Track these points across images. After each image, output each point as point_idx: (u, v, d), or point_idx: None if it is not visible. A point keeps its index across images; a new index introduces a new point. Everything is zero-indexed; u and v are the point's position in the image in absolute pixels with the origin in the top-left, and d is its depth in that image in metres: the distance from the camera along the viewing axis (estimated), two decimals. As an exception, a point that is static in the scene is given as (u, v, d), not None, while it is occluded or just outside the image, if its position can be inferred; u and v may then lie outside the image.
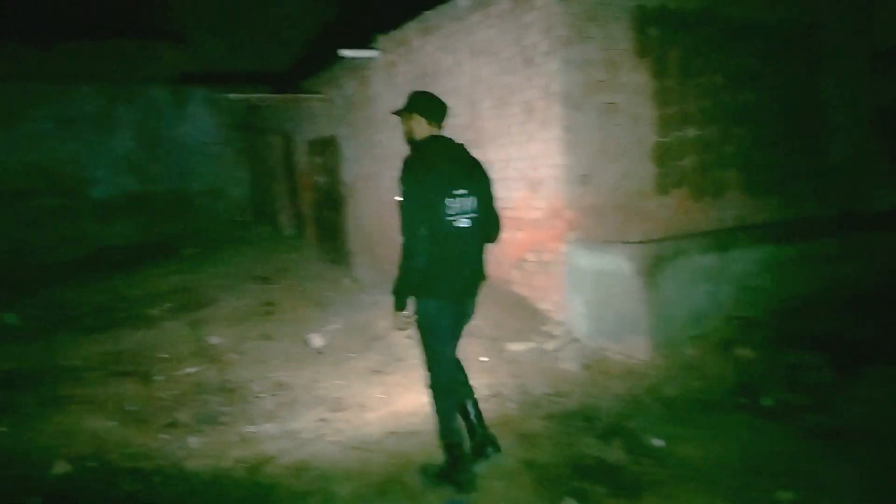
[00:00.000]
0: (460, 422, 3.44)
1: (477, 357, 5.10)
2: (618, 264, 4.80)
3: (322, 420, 4.27)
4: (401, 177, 3.16)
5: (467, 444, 3.45)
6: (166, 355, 6.30)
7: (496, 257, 6.04)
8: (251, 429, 4.27)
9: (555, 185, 5.34)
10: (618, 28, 5.40)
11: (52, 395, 5.17)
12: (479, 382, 4.68)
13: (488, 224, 3.38)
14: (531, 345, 5.20)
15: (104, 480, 3.64)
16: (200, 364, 5.96)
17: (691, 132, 5.85)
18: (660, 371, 4.59)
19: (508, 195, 5.82)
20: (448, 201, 3.14)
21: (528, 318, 5.56)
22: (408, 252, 3.13)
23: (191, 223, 13.33)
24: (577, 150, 5.29)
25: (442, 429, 3.36)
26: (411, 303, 3.26)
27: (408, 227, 3.13)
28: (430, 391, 3.39)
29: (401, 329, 3.35)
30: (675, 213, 5.70)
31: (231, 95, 10.15)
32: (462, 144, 3.35)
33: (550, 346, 5.18)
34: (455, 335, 3.40)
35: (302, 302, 8.17)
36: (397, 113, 3.43)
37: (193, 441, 4.13)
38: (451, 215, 3.15)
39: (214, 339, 6.73)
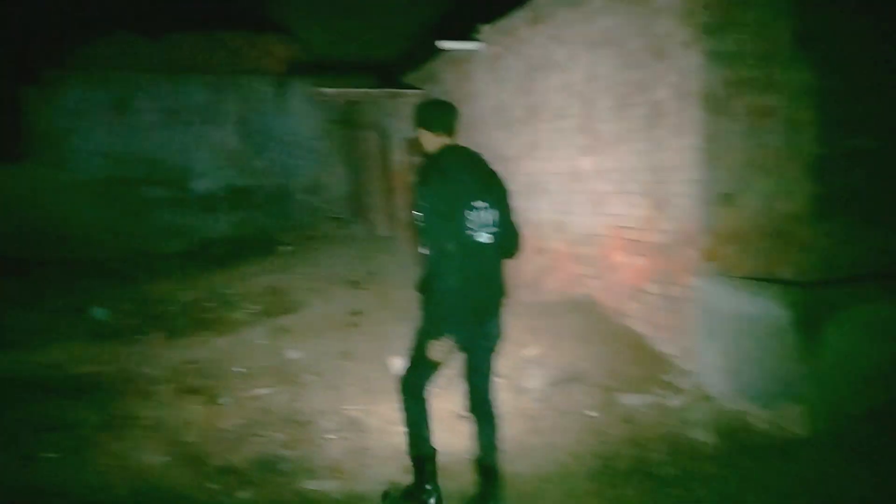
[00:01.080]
0: (431, 431, 3.13)
1: (583, 410, 4.26)
2: (770, 309, 3.81)
3: (393, 484, 3.58)
4: (416, 190, 2.92)
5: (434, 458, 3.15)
6: (241, 369, 5.85)
7: (608, 284, 5.15)
8: (312, 485, 3.64)
9: (688, 204, 4.39)
10: (775, 13, 4.36)
11: (116, 413, 4.80)
12: (586, 448, 3.84)
13: (508, 239, 3.13)
14: (650, 398, 4.30)
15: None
16: (273, 384, 5.45)
17: (863, 142, 4.71)
18: (822, 454, 3.57)
19: (627, 212, 4.92)
20: (468, 214, 2.91)
21: (646, 362, 4.64)
22: (437, 272, 2.84)
23: (289, 218, 13.16)
24: (718, 162, 4.31)
25: (411, 438, 3.14)
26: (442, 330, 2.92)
27: (433, 243, 2.86)
28: (402, 395, 3.13)
29: (438, 360, 2.97)
30: (841, 244, 4.59)
31: (330, 90, 9.72)
32: (479, 153, 3.10)
33: (675, 402, 4.25)
34: (478, 361, 3.15)
35: (389, 313, 7.58)
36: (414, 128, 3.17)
37: (244, 496, 3.55)
38: (471, 229, 2.91)
39: (293, 354, 6.23)
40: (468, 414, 3.25)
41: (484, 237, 2.97)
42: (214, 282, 9.87)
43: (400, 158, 10.48)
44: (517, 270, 6.62)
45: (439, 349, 2.93)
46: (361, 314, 7.59)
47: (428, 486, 3.09)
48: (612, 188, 5.07)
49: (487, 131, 7.02)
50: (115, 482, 3.73)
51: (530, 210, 6.30)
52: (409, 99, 9.58)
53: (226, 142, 12.66)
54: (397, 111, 10.29)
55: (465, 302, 2.91)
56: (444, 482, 3.28)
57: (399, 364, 5.72)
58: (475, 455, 3.17)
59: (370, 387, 5.19)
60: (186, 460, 3.98)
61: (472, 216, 2.93)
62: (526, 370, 4.74)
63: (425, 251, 2.91)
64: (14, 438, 4.36)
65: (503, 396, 4.56)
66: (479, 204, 2.95)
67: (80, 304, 8.40)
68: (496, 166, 3.09)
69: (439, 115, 3.10)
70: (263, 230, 12.77)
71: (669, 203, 4.53)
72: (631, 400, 4.31)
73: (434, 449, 3.16)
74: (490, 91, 6.91)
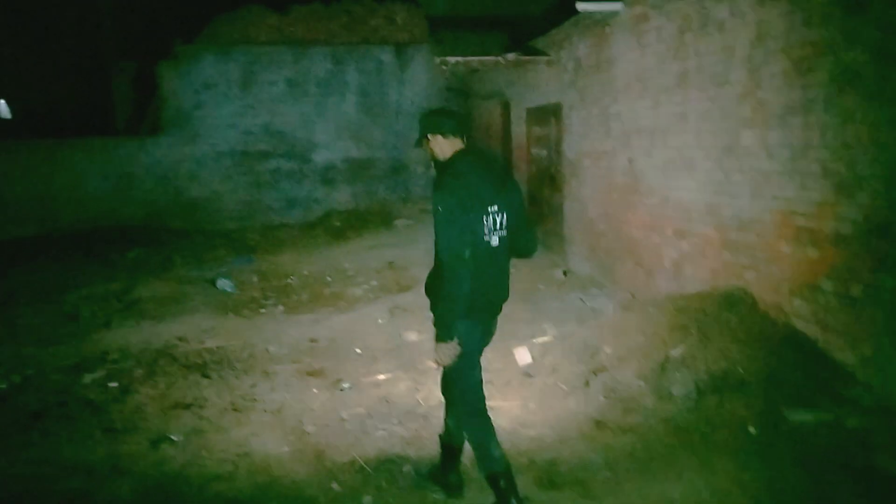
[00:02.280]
0: (501, 450, 3.13)
1: (739, 424, 3.71)
2: None
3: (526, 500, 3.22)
4: (436, 199, 2.95)
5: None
6: (360, 351, 5.71)
7: (769, 277, 4.49)
8: (438, 497, 3.35)
9: (881, 188, 3.66)
10: None
11: (240, 395, 4.76)
12: (749, 473, 3.30)
13: (521, 239, 3.16)
14: (823, 416, 3.67)
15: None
16: (392, 369, 5.24)
17: None
18: None
19: (797, 195, 4.23)
20: (484, 219, 2.98)
21: (816, 372, 3.99)
22: (453, 276, 2.89)
23: (407, 191, 13.03)
24: (926, 138, 3.54)
25: (483, 460, 3.11)
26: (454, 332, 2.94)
27: (451, 250, 2.90)
28: (465, 420, 3.18)
29: (443, 364, 3.02)
30: None
31: (451, 58, 9.33)
32: (491, 154, 3.06)
33: (854, 422, 3.60)
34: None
35: (513, 295, 7.20)
36: (417, 143, 3.24)
37: (367, 501, 3.32)
38: (485, 235, 2.98)
39: (411, 336, 6.01)
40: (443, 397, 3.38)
41: (495, 241, 3.02)
42: (333, 255, 9.89)
43: (522, 129, 9.98)
44: (654, 256, 6.01)
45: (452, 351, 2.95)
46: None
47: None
48: (779, 167, 4.38)
49: (627, 101, 6.40)
50: (236, 473, 3.63)
51: (674, 189, 5.67)
52: (534, 66, 9.03)
53: (346, 113, 12.63)
54: (521, 79, 9.76)
55: (476, 305, 2.97)
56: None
57: (525, 355, 5.36)
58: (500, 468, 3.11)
59: (494, 378, 4.84)
60: (308, 453, 3.83)
61: (486, 221, 2.98)
62: (671, 373, 4.23)
63: (441, 256, 2.93)
64: (144, 417, 4.40)
65: (646, 402, 4.12)
66: (492, 208, 3.00)
67: (208, 274, 8.63)
68: (505, 169, 2.91)
69: (449, 119, 3.13)
70: (382, 203, 12.71)
71: (856, 186, 3.81)
72: (799, 416, 3.70)
73: (507, 464, 3.11)
74: (631, 56, 6.26)
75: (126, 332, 6.29)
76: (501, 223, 3.03)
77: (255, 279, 8.63)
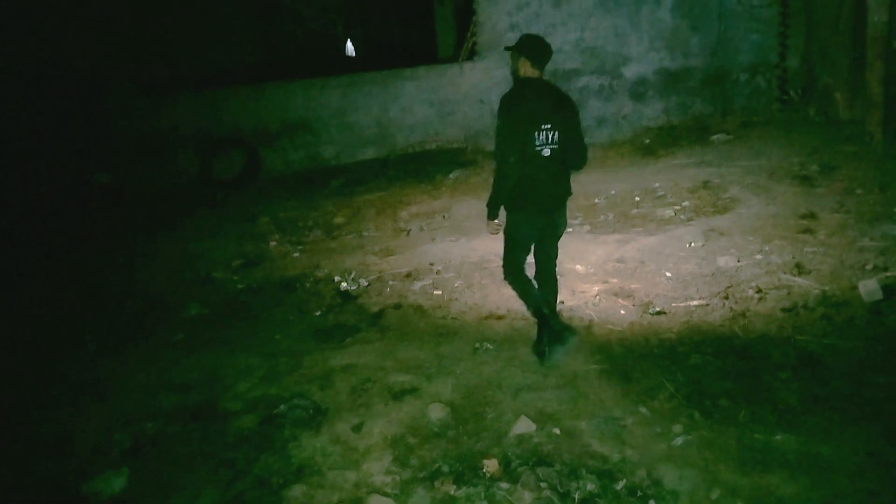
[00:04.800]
0: (535, 293, 4.09)
1: None
2: None
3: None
4: (498, 110, 3.81)
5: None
6: (669, 275, 5.46)
7: None
8: (759, 437, 3.09)
9: None
10: None
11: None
12: None
13: (570, 153, 3.86)
14: None
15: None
16: (706, 296, 4.92)
17: None
18: None
19: None
20: (536, 134, 3.71)
21: None
22: (500, 174, 3.82)
23: (727, 102, 11.83)
24: None
25: (526, 303, 4.17)
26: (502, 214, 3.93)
27: (501, 153, 3.81)
28: (507, 278, 4.15)
29: (492, 233, 4.01)
30: None
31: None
32: (555, 86, 3.93)
33: None
34: (544, 245, 4.09)
35: (852, 218, 6.19)
36: (508, 48, 3.90)
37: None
38: (538, 146, 3.73)
39: (727, 261, 5.55)
40: (536, 280, 4.20)
41: (546, 151, 3.76)
42: (642, 174, 9.51)
43: (880, 18, 8.23)
44: None
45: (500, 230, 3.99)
46: (814, 218, 6.37)
47: (540, 337, 4.11)
48: None
49: None
50: (544, 383, 3.78)
51: None
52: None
53: (661, 19, 11.74)
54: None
55: (527, 200, 3.83)
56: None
57: (873, 287, 4.60)
58: (540, 306, 4.06)
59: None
60: (615, 375, 3.82)
61: (539, 135, 3.72)
62: None
63: (495, 155, 3.97)
64: (464, 323, 4.80)
65: None
66: (545, 126, 3.72)
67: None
68: (563, 97, 3.82)
69: (543, 52, 3.78)
70: (697, 117, 11.76)
71: None
72: None
73: (540, 303, 4.07)
74: None
75: (448, 245, 6.90)
76: (552, 138, 3.74)
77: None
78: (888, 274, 4.73)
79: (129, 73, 10.89)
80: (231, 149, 10.60)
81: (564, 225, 4.11)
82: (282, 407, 3.73)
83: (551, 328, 4.03)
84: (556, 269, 4.24)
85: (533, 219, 3.90)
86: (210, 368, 4.43)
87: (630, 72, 12.04)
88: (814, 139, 9.45)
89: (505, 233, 4.01)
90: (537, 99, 3.73)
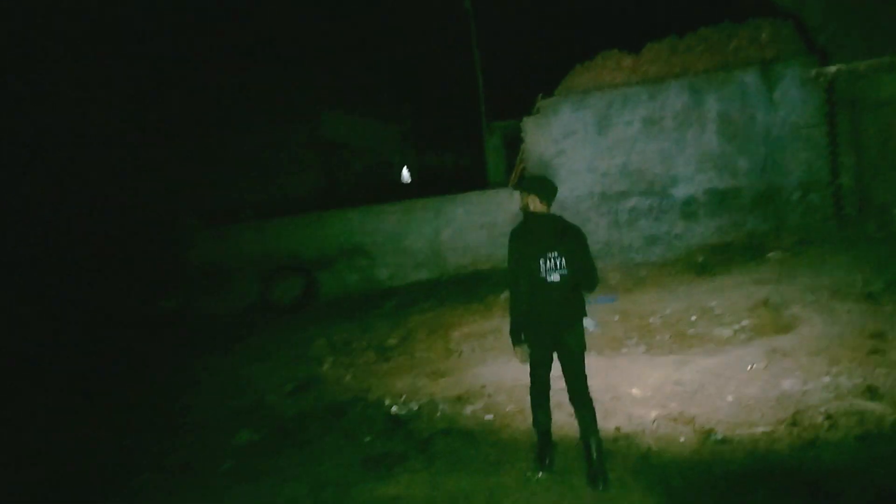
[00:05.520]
0: (544, 416, 4.43)
1: None
2: None
3: None
4: (508, 242, 4.21)
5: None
6: (731, 399, 5.22)
7: None
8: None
9: None
10: None
11: (605, 436, 4.74)
12: None
13: (580, 276, 4.13)
14: None
15: None
16: (771, 423, 4.66)
17: None
18: None
19: None
20: (541, 262, 4.07)
21: None
22: (513, 300, 4.21)
23: (780, 220, 11.72)
24: None
25: (532, 419, 4.48)
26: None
27: (512, 281, 4.20)
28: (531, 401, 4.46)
29: (521, 361, 4.29)
30: None
31: (831, 68, 8.18)
32: (559, 217, 4.20)
33: None
34: (566, 365, 4.24)
35: (927, 340, 5.87)
36: (517, 187, 4.72)
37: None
38: (543, 273, 4.07)
39: (792, 384, 5.30)
40: (570, 402, 4.33)
41: (554, 277, 4.05)
42: (697, 293, 9.33)
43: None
44: None
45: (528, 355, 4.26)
46: (884, 339, 6.07)
47: (539, 450, 4.42)
48: None
49: None
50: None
51: None
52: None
53: (706, 143, 11.97)
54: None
55: (535, 323, 4.13)
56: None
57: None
58: (580, 433, 4.28)
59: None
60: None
61: (545, 263, 4.05)
62: None
63: (509, 289, 4.24)
64: (516, 449, 4.65)
65: None
66: (552, 254, 4.05)
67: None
68: (567, 227, 4.16)
69: (544, 189, 4.17)
70: (750, 235, 11.65)
71: None
72: None
73: (543, 427, 4.45)
74: None
75: (499, 367, 6.81)
76: (559, 264, 4.05)
77: (616, 318, 8.62)
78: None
79: (198, 203, 11.61)
80: (290, 274, 10.97)
81: (579, 345, 4.23)
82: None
83: (551, 447, 4.41)
84: (589, 391, 4.32)
85: (541, 338, 4.16)
86: (257, 500, 4.37)
87: (679, 192, 12.16)
88: (875, 256, 9.18)
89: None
90: (542, 229, 4.09)
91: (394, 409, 5.84)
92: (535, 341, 4.21)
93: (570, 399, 4.30)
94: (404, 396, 6.09)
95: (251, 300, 10.64)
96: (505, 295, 10.56)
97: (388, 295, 11.00)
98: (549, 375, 4.34)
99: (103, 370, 8.01)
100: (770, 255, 10.56)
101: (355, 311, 10.24)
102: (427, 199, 12.88)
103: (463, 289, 11.48)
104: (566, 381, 4.28)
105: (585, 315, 4.25)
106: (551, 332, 4.16)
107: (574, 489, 4.01)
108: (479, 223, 12.64)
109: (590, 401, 4.25)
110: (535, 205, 4.15)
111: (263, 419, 5.93)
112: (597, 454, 4.14)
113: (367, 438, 5.26)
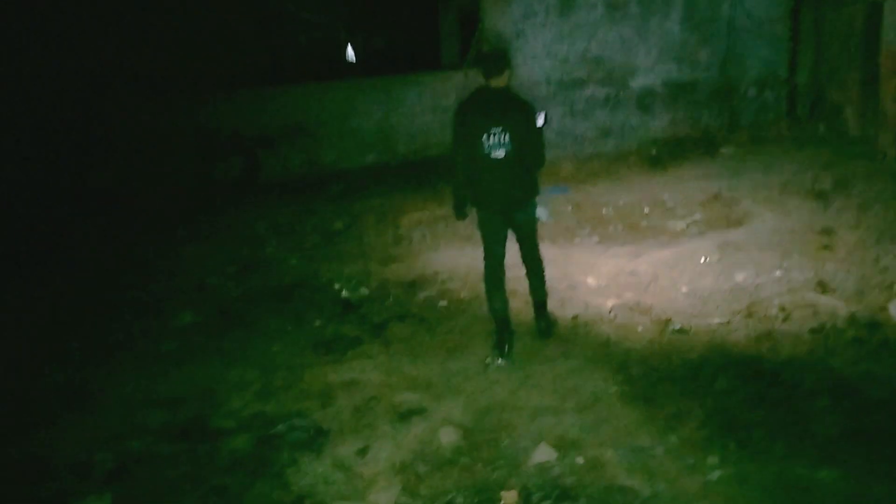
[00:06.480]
0: (500, 302, 4.28)
1: None
2: None
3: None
4: (454, 115, 4.24)
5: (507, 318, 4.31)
6: (686, 290, 5.22)
7: None
8: (802, 473, 2.84)
9: None
10: None
11: (564, 326, 4.67)
12: None
13: (525, 154, 4.05)
14: None
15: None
16: (726, 314, 4.67)
17: None
18: None
19: None
20: (485, 136, 3.97)
21: None
22: (451, 171, 4.41)
23: (736, 116, 11.66)
24: None
25: (489, 306, 4.34)
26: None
27: (454, 156, 4.30)
28: (484, 282, 4.35)
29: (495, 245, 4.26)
30: None
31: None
32: (505, 90, 4.07)
33: None
34: (519, 238, 4.32)
35: (868, 235, 5.96)
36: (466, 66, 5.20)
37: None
38: (487, 149, 3.99)
39: (744, 277, 5.33)
40: (524, 266, 4.44)
41: (499, 153, 3.97)
42: (650, 185, 9.29)
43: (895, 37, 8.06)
44: None
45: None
46: (833, 234, 6.15)
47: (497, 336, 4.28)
48: None
49: None
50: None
51: None
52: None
53: (668, 32, 11.58)
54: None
55: (484, 202, 4.13)
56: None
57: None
58: (530, 293, 4.50)
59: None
60: (637, 396, 3.57)
61: (488, 139, 3.96)
62: None
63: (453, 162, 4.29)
64: (471, 337, 4.54)
65: None
66: (495, 129, 3.95)
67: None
68: (513, 101, 4.08)
69: (489, 65, 4.03)
70: (705, 130, 11.56)
71: None
72: None
73: (500, 312, 4.29)
74: None
75: (452, 254, 6.64)
76: (502, 140, 3.95)
77: (569, 208, 8.51)
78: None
79: (131, 75, 10.69)
80: (230, 153, 10.38)
81: (530, 222, 4.29)
82: (280, 427, 3.46)
83: (510, 334, 4.30)
84: (543, 264, 4.47)
85: (491, 216, 4.14)
86: (202, 382, 4.16)
87: (637, 83, 11.84)
88: (824, 155, 9.26)
89: (479, 230, 4.30)
90: (488, 104, 4.01)
91: (344, 293, 5.63)
92: (486, 221, 4.17)
93: (527, 271, 4.46)
94: (354, 281, 5.88)
95: (190, 177, 10.04)
96: (457, 182, 10.28)
97: (335, 178, 10.55)
98: (503, 260, 4.27)
99: (39, 248, 7.45)
100: (723, 150, 10.55)
101: (299, 194, 9.81)
102: (376, 78, 12.20)
103: (413, 174, 11.09)
104: (522, 258, 4.39)
105: (539, 193, 4.25)
106: (502, 212, 4.13)
107: (533, 376, 3.95)
108: (430, 106, 12.08)
109: (540, 262, 4.43)
110: (481, 79, 4.06)
111: (206, 301, 5.63)
112: (545, 309, 4.46)
113: (318, 322, 5.06)
